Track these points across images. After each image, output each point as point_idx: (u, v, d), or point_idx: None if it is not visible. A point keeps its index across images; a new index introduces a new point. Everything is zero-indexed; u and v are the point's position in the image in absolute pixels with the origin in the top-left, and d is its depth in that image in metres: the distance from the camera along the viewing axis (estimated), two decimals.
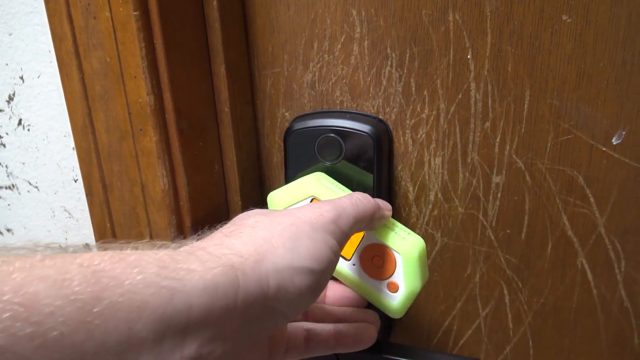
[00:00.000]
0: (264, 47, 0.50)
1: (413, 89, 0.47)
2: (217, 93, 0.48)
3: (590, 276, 0.47)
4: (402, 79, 0.47)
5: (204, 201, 0.47)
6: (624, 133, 0.42)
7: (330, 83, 0.49)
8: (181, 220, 0.44)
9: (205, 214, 0.47)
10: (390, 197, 0.50)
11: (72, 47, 0.42)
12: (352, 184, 0.48)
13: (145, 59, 0.40)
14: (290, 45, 0.49)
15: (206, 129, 0.47)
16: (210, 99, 0.47)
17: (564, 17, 0.41)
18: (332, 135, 0.47)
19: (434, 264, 0.51)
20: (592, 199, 0.45)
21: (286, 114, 0.52)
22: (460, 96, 0.46)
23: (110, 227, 0.46)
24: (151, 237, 0.45)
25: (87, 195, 0.46)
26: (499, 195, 0.47)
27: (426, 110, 0.47)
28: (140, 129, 0.42)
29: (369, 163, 0.47)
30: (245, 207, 0.52)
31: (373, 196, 0.48)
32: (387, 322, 0.54)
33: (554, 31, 0.42)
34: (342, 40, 0.48)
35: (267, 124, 0.53)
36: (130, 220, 0.45)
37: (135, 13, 0.39)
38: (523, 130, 0.45)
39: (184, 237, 0.45)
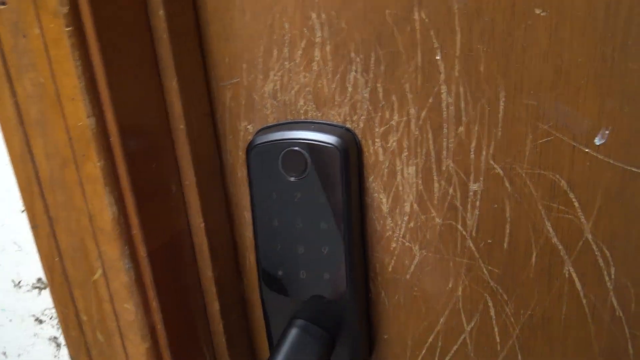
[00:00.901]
0: (220, 57, 0.47)
1: (380, 94, 0.43)
2: (170, 109, 0.44)
3: (578, 285, 0.44)
4: (369, 85, 0.43)
5: (161, 228, 0.43)
6: (607, 133, 0.39)
7: (293, 92, 0.46)
8: (134, 250, 0.41)
9: (163, 241, 0.43)
10: (362, 210, 0.47)
11: (2, 69, 0.38)
12: (320, 200, 0.45)
13: (82, 78, 0.36)
14: (248, 54, 0.46)
15: (159, 148, 0.43)
16: (163, 116, 0.44)
17: (538, 11, 0.38)
18: (297, 148, 0.44)
19: (414, 278, 0.48)
20: (576, 204, 0.42)
21: (249, 126, 0.48)
22: (430, 100, 0.42)
23: (59, 261, 0.42)
24: (104, 270, 0.41)
25: (32, 227, 0.42)
26: (477, 203, 0.44)
27: (396, 117, 0.44)
28: (83, 155, 0.38)
29: (336, 176, 0.44)
30: (210, 231, 0.48)
31: (341, 213, 0.44)
32: (367, 340, 0.51)
33: (528, 26, 0.39)
34: (303, 46, 0.44)
35: (230, 139, 0.50)
36: (80, 252, 0.41)
37: (67, 29, 0.35)
38: (499, 133, 0.42)
39: (139, 268, 0.41)
